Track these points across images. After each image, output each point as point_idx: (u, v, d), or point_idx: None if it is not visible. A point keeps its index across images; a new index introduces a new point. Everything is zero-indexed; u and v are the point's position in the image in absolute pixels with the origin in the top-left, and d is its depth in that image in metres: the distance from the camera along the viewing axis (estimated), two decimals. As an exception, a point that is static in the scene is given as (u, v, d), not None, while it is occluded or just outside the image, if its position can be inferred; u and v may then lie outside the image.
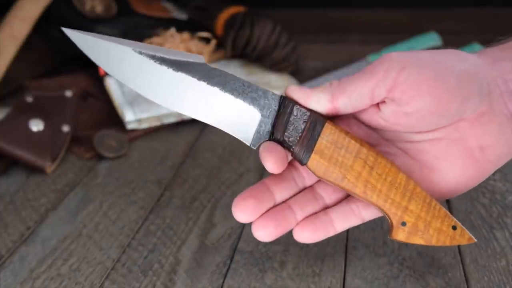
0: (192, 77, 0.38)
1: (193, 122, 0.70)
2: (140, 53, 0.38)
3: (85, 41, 0.38)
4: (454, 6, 1.03)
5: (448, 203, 0.50)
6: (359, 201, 0.39)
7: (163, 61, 0.38)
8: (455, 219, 0.37)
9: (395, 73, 0.35)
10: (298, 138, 0.37)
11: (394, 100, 0.36)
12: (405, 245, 0.45)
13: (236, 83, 0.38)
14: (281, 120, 0.37)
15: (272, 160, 0.37)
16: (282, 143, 0.38)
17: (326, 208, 0.40)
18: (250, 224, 0.49)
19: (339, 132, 0.37)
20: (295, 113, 0.37)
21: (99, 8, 0.81)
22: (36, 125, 0.61)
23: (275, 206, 0.39)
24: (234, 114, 0.38)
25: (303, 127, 0.37)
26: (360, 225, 0.48)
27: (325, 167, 0.37)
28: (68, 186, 0.57)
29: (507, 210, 0.50)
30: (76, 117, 0.67)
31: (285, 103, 0.38)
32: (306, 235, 0.39)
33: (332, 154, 0.37)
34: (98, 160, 0.62)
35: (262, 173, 0.57)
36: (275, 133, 0.38)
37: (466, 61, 0.37)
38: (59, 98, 0.67)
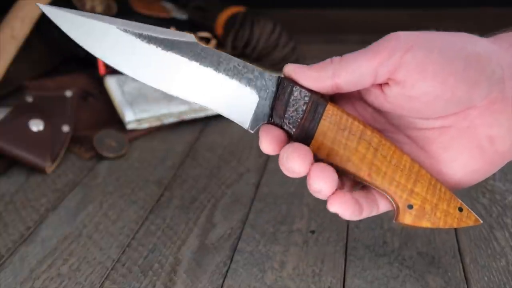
0: (183, 56, 0.36)
1: (193, 122, 0.70)
2: (126, 31, 0.35)
3: (65, 18, 0.36)
4: (454, 6, 1.03)
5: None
6: (374, 189, 0.38)
7: (150, 39, 0.36)
8: (460, 201, 0.37)
9: (400, 54, 0.33)
10: (299, 120, 0.35)
11: (398, 83, 0.34)
12: (405, 245, 0.45)
13: (230, 63, 0.36)
14: (280, 102, 0.36)
15: (268, 140, 0.35)
16: (281, 126, 0.36)
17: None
18: (250, 224, 0.49)
19: (342, 113, 0.36)
20: (295, 94, 0.35)
21: (99, 8, 0.81)
22: (36, 125, 0.61)
23: None
24: (229, 96, 0.36)
25: (303, 108, 0.35)
26: (360, 225, 0.48)
27: (328, 149, 0.36)
28: (68, 186, 0.57)
29: (507, 210, 0.50)
30: (76, 117, 0.67)
31: (284, 84, 0.36)
32: (349, 210, 0.36)
33: (335, 136, 0.36)
34: (98, 160, 0.62)
35: (262, 173, 0.58)
36: (274, 116, 0.36)
37: (478, 45, 0.35)
38: (59, 98, 0.67)
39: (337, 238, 0.46)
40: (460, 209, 0.37)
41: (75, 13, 0.36)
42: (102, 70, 0.75)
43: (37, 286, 0.43)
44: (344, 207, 0.36)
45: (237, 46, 0.79)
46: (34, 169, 0.59)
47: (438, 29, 0.36)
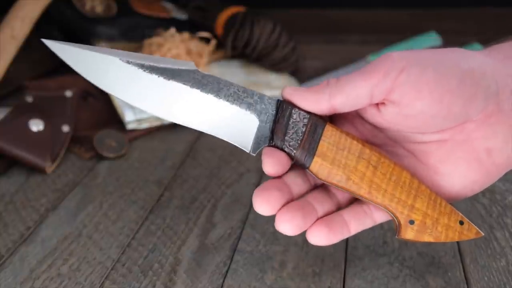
0: (184, 84, 0.37)
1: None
2: (128, 62, 0.37)
3: (68, 52, 0.37)
4: (454, 6, 1.03)
5: (448, 203, 0.50)
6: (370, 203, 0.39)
7: (152, 69, 0.37)
8: (461, 214, 0.37)
9: (395, 74, 0.34)
10: (299, 142, 0.36)
11: (394, 102, 0.35)
12: (405, 245, 0.45)
13: (230, 88, 0.37)
14: (280, 125, 0.37)
15: (271, 164, 0.36)
16: (282, 148, 0.37)
17: (340, 207, 0.39)
18: (250, 224, 0.49)
19: (340, 133, 0.37)
20: (294, 117, 0.37)
21: (99, 8, 0.81)
22: (36, 125, 0.61)
23: (293, 200, 0.38)
24: (230, 121, 0.37)
25: (303, 130, 0.36)
26: (360, 225, 0.48)
27: (328, 169, 0.36)
28: (68, 186, 0.57)
29: (507, 210, 0.50)
30: (76, 117, 0.67)
31: (283, 107, 0.37)
32: (321, 237, 0.37)
33: (334, 156, 0.36)
34: (98, 160, 0.62)
35: (262, 174, 0.58)
36: (275, 138, 0.37)
37: (471, 60, 0.35)
38: (59, 98, 0.67)
39: (337, 238, 0.46)
40: (461, 223, 0.37)
41: (78, 46, 0.37)
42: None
43: (37, 286, 0.43)
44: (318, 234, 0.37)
45: (237, 46, 0.79)
46: (34, 169, 0.59)
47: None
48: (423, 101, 0.34)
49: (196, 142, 0.65)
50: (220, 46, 0.82)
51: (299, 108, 0.37)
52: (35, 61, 0.85)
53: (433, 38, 0.85)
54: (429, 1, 1.04)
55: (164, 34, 0.78)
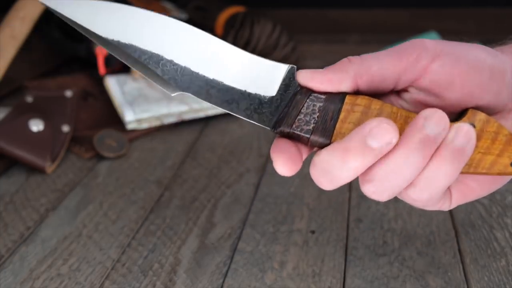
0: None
1: (193, 122, 0.70)
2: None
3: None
4: (454, 5, 1.03)
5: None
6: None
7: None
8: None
9: (427, 61, 0.32)
10: (313, 125, 0.32)
11: (420, 91, 0.33)
12: (405, 245, 0.45)
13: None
14: (292, 109, 0.33)
15: (283, 161, 0.32)
16: (292, 133, 0.33)
17: None
18: (250, 224, 0.49)
19: (365, 104, 0.32)
20: (309, 100, 0.33)
21: (99, 8, 0.81)
22: (36, 125, 0.61)
23: None
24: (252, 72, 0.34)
25: (318, 112, 0.32)
26: (360, 225, 0.48)
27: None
28: (68, 186, 0.57)
29: (507, 210, 0.50)
30: (76, 117, 0.67)
31: (299, 92, 0.33)
32: None
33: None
34: (98, 160, 0.62)
35: (262, 173, 0.58)
36: (284, 123, 0.33)
37: (495, 55, 0.34)
38: (59, 98, 0.67)
39: (337, 238, 0.46)
40: None
41: None
42: (102, 70, 0.75)
43: (37, 286, 0.43)
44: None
45: (237, 46, 0.79)
46: (34, 169, 0.59)
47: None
48: (453, 94, 0.32)
49: (196, 142, 0.65)
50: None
51: (318, 92, 0.33)
52: (35, 61, 0.85)
53: (433, 38, 0.85)
54: (429, 0, 1.04)
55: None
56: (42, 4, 0.34)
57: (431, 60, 0.32)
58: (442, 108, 0.33)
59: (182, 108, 0.68)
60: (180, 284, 0.42)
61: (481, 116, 0.32)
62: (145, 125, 0.68)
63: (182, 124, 0.70)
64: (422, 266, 0.43)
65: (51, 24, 0.83)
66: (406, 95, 0.34)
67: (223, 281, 0.42)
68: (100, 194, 0.55)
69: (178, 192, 0.55)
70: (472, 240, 0.46)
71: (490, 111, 0.34)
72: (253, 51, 0.78)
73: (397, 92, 0.34)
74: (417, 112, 0.33)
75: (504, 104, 0.34)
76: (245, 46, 0.78)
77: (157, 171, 0.59)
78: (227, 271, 0.43)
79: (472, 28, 0.97)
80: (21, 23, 0.73)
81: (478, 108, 0.34)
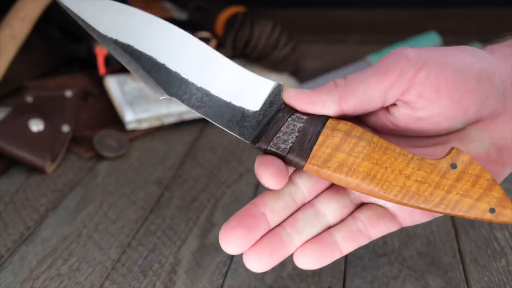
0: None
1: (193, 122, 0.70)
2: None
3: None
4: (454, 5, 1.03)
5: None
6: (365, 218, 0.34)
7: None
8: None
9: (412, 74, 0.31)
10: (292, 144, 0.32)
11: (408, 104, 0.32)
12: (405, 245, 0.45)
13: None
14: (273, 126, 0.33)
15: (270, 174, 0.31)
16: (269, 150, 0.32)
17: (329, 227, 0.34)
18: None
19: (345, 131, 0.32)
20: (291, 119, 0.33)
21: (99, 8, 0.81)
22: (36, 125, 0.61)
23: (269, 231, 0.33)
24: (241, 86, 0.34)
25: (298, 131, 0.32)
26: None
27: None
28: (68, 186, 0.57)
29: (507, 210, 0.50)
30: (76, 117, 0.67)
31: (283, 112, 0.33)
32: (309, 261, 0.33)
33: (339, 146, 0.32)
34: (98, 160, 0.62)
35: (262, 173, 0.58)
36: (263, 138, 0.33)
37: (483, 59, 0.33)
38: (59, 98, 0.67)
39: (337, 238, 0.46)
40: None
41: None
42: (102, 70, 0.75)
43: (37, 286, 0.43)
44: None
45: (237, 46, 0.79)
46: (34, 169, 0.59)
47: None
48: (441, 103, 0.32)
49: (196, 142, 0.65)
50: (220, 46, 0.82)
51: (301, 113, 0.33)
52: (35, 61, 0.85)
53: (433, 38, 0.85)
54: (428, 1, 1.04)
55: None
56: None
57: (415, 72, 0.32)
58: (434, 120, 0.33)
59: (182, 108, 0.68)
60: (180, 284, 0.42)
61: (465, 157, 0.31)
62: (145, 125, 0.68)
63: (182, 124, 0.70)
64: (422, 266, 0.43)
65: (51, 24, 0.83)
66: (394, 110, 0.33)
67: (223, 281, 0.42)
68: (100, 194, 0.55)
69: (178, 192, 0.55)
70: (472, 240, 0.46)
71: (479, 116, 0.34)
72: (253, 51, 0.78)
73: (386, 107, 0.34)
74: (406, 130, 0.33)
75: (493, 108, 0.34)
76: (245, 46, 0.78)
77: (157, 171, 0.59)
78: (227, 271, 0.43)
79: (472, 28, 0.97)
80: (21, 23, 0.73)
81: (468, 115, 0.33)
